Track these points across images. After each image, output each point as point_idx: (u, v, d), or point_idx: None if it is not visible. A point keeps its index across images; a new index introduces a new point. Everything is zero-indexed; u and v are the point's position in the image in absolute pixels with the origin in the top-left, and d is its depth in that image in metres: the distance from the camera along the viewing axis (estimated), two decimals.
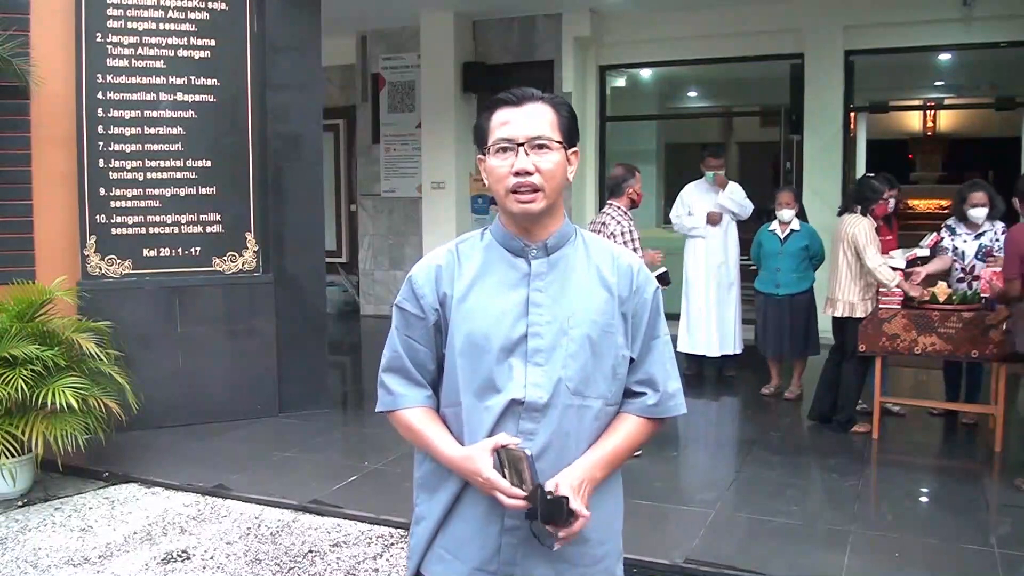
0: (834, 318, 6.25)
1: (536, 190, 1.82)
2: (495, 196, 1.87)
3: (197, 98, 6.29)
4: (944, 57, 10.80)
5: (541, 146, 1.81)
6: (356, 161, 11.61)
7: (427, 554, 1.95)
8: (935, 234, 6.34)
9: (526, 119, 1.82)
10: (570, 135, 1.88)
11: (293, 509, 4.83)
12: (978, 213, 6.08)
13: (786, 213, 6.83)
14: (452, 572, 1.90)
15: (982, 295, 5.68)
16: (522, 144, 1.80)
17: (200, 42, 6.28)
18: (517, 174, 1.81)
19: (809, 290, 6.91)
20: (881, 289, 5.99)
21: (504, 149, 1.82)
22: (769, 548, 4.28)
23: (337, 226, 11.87)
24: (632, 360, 1.92)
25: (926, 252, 6.22)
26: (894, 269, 5.98)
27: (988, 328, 5.37)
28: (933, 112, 15.62)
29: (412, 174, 10.89)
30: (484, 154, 1.87)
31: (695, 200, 7.61)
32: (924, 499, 5.13)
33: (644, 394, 1.94)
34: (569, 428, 1.84)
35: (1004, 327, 4.78)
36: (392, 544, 4.38)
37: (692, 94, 13.81)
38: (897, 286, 5.84)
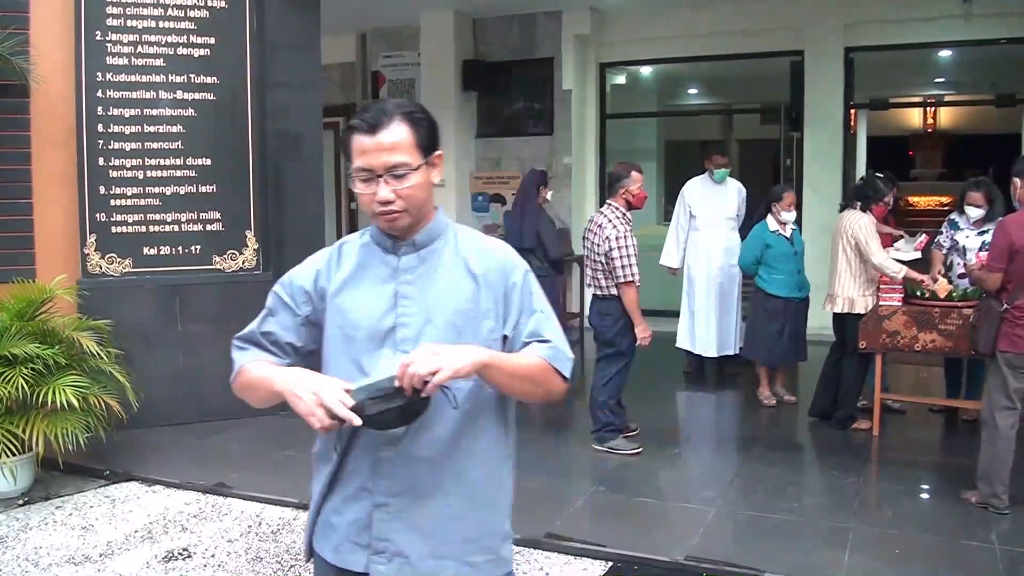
0: (834, 314, 6.25)
1: (400, 211, 1.91)
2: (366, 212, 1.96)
3: (197, 96, 6.29)
4: (944, 54, 10.79)
5: (400, 175, 1.88)
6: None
7: (315, 528, 2.04)
8: (924, 236, 6.34)
9: (382, 147, 1.87)
10: (430, 144, 1.94)
11: (294, 507, 4.83)
12: (972, 213, 6.08)
13: (791, 214, 6.71)
14: (329, 543, 2.00)
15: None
16: (380, 176, 1.88)
17: (200, 40, 6.27)
18: (380, 203, 1.89)
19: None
20: (882, 286, 6.00)
21: (365, 180, 1.90)
22: (770, 546, 4.28)
23: (337, 224, 11.85)
24: (507, 338, 1.99)
25: (917, 255, 6.21)
26: (901, 262, 6.00)
27: None
28: (933, 109, 15.63)
29: None
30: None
31: (697, 198, 7.59)
32: (925, 496, 5.13)
33: (536, 342, 1.99)
34: (438, 410, 1.88)
35: (971, 320, 4.72)
36: None
37: (692, 91, 13.80)
38: (905, 277, 5.84)
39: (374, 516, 1.92)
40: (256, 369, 2.02)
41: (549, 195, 7.21)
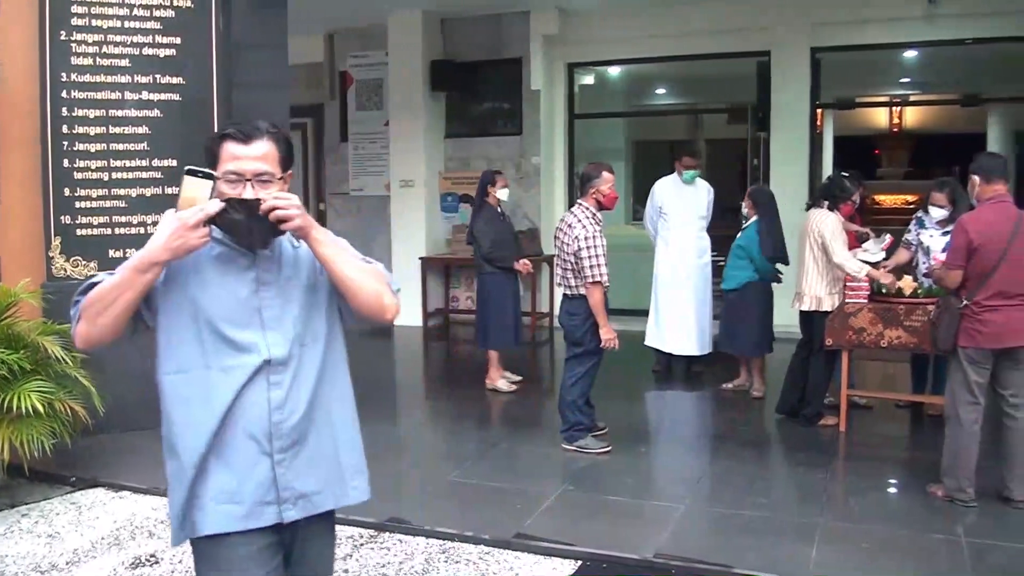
0: (801, 312, 6.31)
1: None
2: None
3: (163, 97, 6.23)
4: (910, 54, 10.92)
5: (265, 181, 2.19)
6: (324, 160, 11.56)
7: (187, 515, 2.22)
8: (889, 237, 6.41)
9: (253, 156, 2.20)
10: (286, 163, 2.28)
11: None
12: (936, 213, 6.16)
13: (743, 209, 6.95)
14: (231, 517, 2.21)
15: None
16: (249, 180, 2.18)
17: (165, 40, 6.21)
18: None
19: (738, 288, 6.92)
20: (848, 283, 6.06)
21: (233, 181, 2.18)
22: (739, 541, 4.32)
23: None
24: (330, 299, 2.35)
25: (883, 255, 6.28)
26: (869, 263, 6.08)
27: None
28: (899, 109, 15.79)
29: (380, 172, 10.86)
30: (202, 168, 2.19)
31: (667, 197, 7.64)
32: (892, 490, 5.19)
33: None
34: (304, 371, 2.27)
35: (931, 316, 4.78)
36: (362, 544, 4.37)
37: (660, 91, 13.86)
38: (867, 276, 5.91)
39: (277, 472, 2.22)
40: (103, 284, 2.19)
41: (501, 194, 7.19)
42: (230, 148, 2.20)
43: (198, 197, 2.14)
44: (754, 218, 6.86)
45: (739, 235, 6.97)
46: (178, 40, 6.25)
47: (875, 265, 6.21)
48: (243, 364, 2.20)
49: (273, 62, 6.59)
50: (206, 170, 2.18)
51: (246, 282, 2.23)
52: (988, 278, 4.50)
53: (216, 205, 2.11)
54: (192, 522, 2.23)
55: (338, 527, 4.46)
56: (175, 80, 6.25)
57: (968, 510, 4.62)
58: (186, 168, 2.19)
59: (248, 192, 2.16)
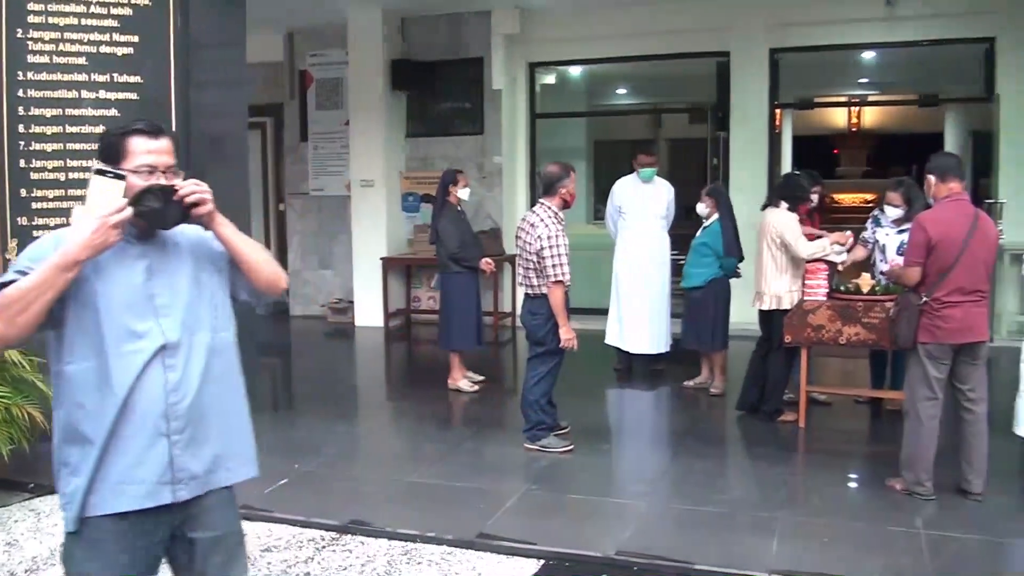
0: (760, 311, 6.37)
1: None
2: None
3: (120, 96, 6.13)
4: (868, 55, 11.06)
5: (174, 172, 2.40)
6: (284, 159, 11.47)
7: (89, 498, 2.32)
8: (850, 233, 6.47)
9: (164, 150, 2.39)
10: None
11: None
12: (891, 212, 6.25)
13: (700, 208, 6.99)
14: (131, 497, 2.32)
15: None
16: (163, 171, 2.37)
17: (123, 38, 6.11)
18: None
19: (704, 285, 6.98)
20: (807, 281, 6.14)
21: (146, 173, 2.34)
22: (700, 537, 4.35)
23: (265, 226, 11.70)
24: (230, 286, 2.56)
25: (843, 256, 6.35)
26: (832, 263, 6.22)
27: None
28: (858, 109, 16.00)
29: (340, 172, 10.79)
30: (112, 168, 2.30)
31: (625, 197, 7.67)
32: (851, 485, 5.27)
33: None
34: (195, 354, 2.39)
35: (890, 314, 4.83)
36: (324, 547, 4.35)
37: (621, 91, 13.92)
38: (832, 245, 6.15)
39: (174, 453, 2.35)
40: (19, 283, 2.23)
41: (463, 193, 7.19)
42: (141, 143, 2.36)
43: (110, 196, 2.24)
44: (715, 216, 6.92)
45: (700, 233, 7.01)
46: (136, 38, 6.16)
47: (836, 265, 6.31)
48: (142, 349, 2.32)
49: (232, 61, 6.52)
50: (116, 171, 2.30)
51: (139, 271, 2.36)
52: (947, 275, 4.57)
53: (129, 204, 2.25)
54: (91, 504, 2.32)
55: (301, 530, 4.49)
56: (133, 79, 6.16)
57: (926, 503, 4.68)
58: (95, 168, 2.29)
59: (162, 182, 2.34)
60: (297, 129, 11.18)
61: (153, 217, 2.32)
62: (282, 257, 11.57)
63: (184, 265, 2.44)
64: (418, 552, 4.26)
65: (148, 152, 2.36)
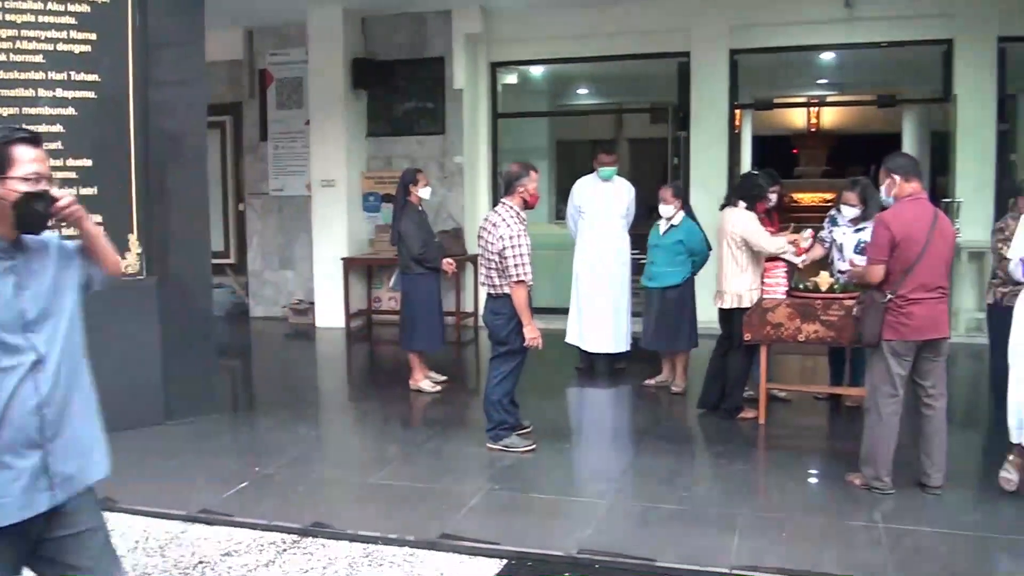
0: (720, 309, 6.41)
1: None
2: None
3: (77, 94, 6.03)
4: (827, 56, 11.18)
5: (51, 179, 2.51)
6: (243, 159, 11.36)
7: None
8: (811, 230, 6.53)
9: (43, 158, 2.49)
10: None
11: (182, 520, 4.67)
12: (847, 212, 6.32)
13: (665, 208, 6.96)
14: (10, 510, 2.39)
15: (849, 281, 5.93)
16: (46, 178, 2.48)
17: (80, 36, 6.02)
18: None
19: (681, 284, 7.00)
20: (765, 280, 6.20)
21: (33, 180, 2.44)
22: (661, 534, 4.36)
23: (225, 226, 11.57)
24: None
25: (801, 258, 6.41)
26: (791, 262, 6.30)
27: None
28: (817, 109, 16.17)
29: (301, 172, 10.71)
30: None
31: (585, 197, 7.69)
32: (811, 480, 5.30)
33: None
34: (59, 363, 2.50)
35: (854, 311, 4.88)
36: (285, 551, 4.30)
37: (582, 91, 13.96)
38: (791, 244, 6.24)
39: (48, 461, 2.45)
40: None
41: (423, 193, 7.15)
42: (27, 151, 2.45)
43: None
44: (682, 213, 6.95)
45: (669, 231, 6.98)
46: (94, 36, 6.06)
47: (795, 265, 6.37)
48: (16, 365, 2.40)
49: (190, 59, 6.45)
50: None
51: (8, 286, 2.43)
52: (910, 272, 4.62)
53: (15, 208, 2.41)
54: None
55: (261, 533, 4.44)
56: (90, 77, 6.07)
57: (885, 497, 4.74)
58: None
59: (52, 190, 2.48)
60: (257, 128, 11.08)
61: (34, 222, 2.47)
62: (242, 258, 11.47)
63: (47, 275, 2.53)
64: (380, 554, 4.23)
65: (33, 160, 2.46)
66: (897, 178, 4.79)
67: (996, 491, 4.78)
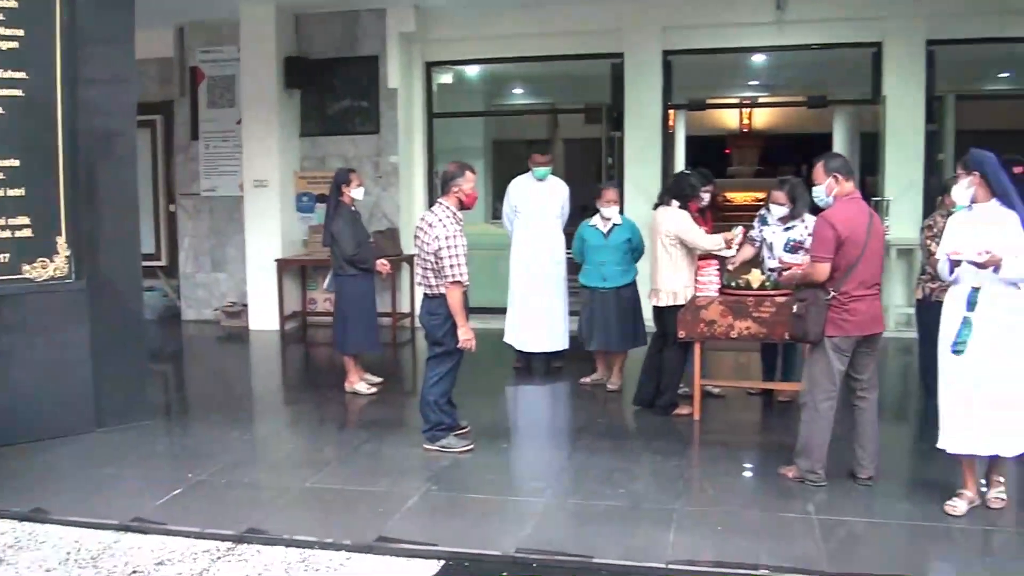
0: (654, 307, 6.49)
1: None
2: None
3: (4, 92, 5.86)
4: (758, 58, 11.38)
5: None
6: (174, 159, 11.14)
7: None
8: (741, 228, 6.63)
9: None
10: None
11: (115, 529, 4.57)
12: (776, 211, 6.46)
13: (611, 210, 7.01)
14: None
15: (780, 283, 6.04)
16: None
17: (8, 32, 5.85)
18: None
19: (633, 283, 7.11)
20: (698, 278, 6.29)
21: None
22: (598, 532, 4.40)
23: (155, 228, 11.35)
24: None
25: (732, 252, 6.51)
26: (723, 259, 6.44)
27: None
28: (749, 110, 16.45)
29: (233, 172, 10.54)
30: None
31: (520, 196, 7.71)
32: (746, 474, 5.41)
33: None
34: None
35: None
36: (219, 558, 4.24)
37: (518, 91, 13.99)
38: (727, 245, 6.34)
39: None
40: None
41: (356, 193, 7.09)
42: None
43: None
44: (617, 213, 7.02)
45: (614, 231, 7.03)
46: (21, 32, 5.90)
47: (725, 261, 6.48)
48: None
49: (120, 56, 6.32)
50: None
51: None
52: (852, 269, 4.73)
53: None
54: None
55: (195, 541, 4.37)
56: (17, 75, 5.91)
57: (819, 489, 4.85)
58: None
59: None
60: (188, 127, 10.87)
61: None
62: (173, 260, 11.26)
63: None
64: (316, 558, 4.20)
65: None
66: (840, 178, 4.90)
67: (926, 481, 4.94)
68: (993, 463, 4.60)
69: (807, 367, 5.02)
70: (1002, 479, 4.63)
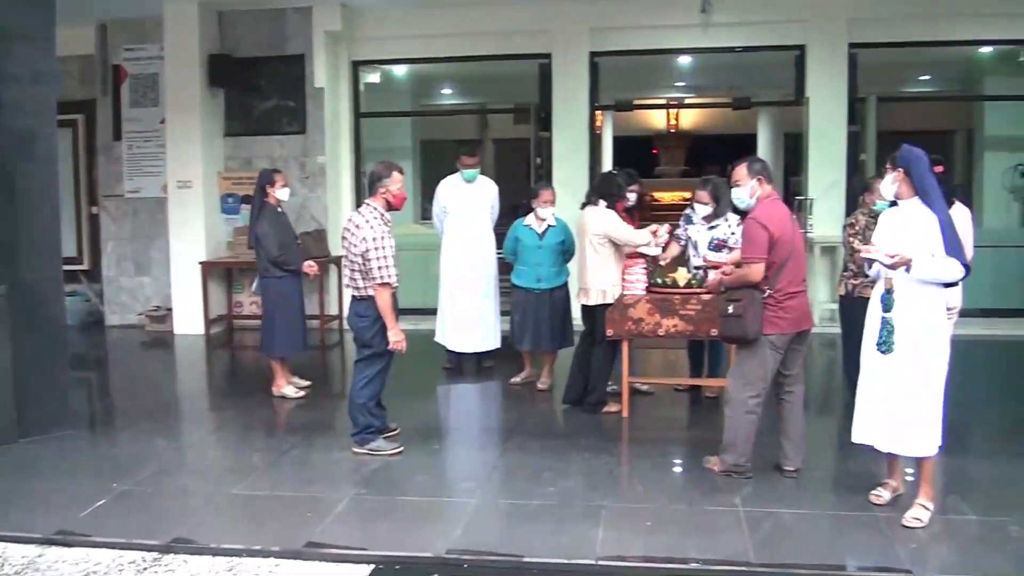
0: (583, 306, 6.55)
1: None
2: None
3: None
4: (684, 60, 11.56)
5: None
6: (96, 160, 10.88)
7: None
8: (668, 225, 6.73)
9: None
10: None
11: (38, 543, 4.45)
12: (699, 210, 6.57)
13: (547, 211, 7.04)
14: None
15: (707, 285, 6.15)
16: None
17: None
18: None
19: (565, 284, 7.17)
20: (625, 277, 6.37)
21: None
22: (528, 531, 4.42)
23: (77, 230, 11.07)
24: None
25: (657, 251, 6.59)
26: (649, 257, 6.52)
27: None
28: (676, 111, 16.68)
29: (157, 173, 10.33)
30: None
31: (450, 197, 7.71)
32: (674, 469, 5.49)
33: None
34: None
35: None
36: (145, 569, 4.16)
37: (446, 91, 13.99)
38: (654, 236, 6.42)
39: None
40: None
41: (281, 194, 7.02)
42: None
43: None
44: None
45: (549, 232, 7.06)
46: None
47: (654, 258, 6.56)
48: None
49: (40, 54, 6.15)
50: None
51: None
52: (784, 268, 4.85)
53: None
54: None
55: (120, 552, 4.29)
56: None
57: (746, 482, 4.96)
58: None
59: None
60: (110, 127, 10.61)
61: None
62: (96, 263, 11.00)
63: None
64: (244, 567, 4.15)
65: None
66: (763, 179, 5.00)
67: (851, 472, 5.09)
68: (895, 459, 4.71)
69: (737, 365, 5.11)
70: (910, 469, 4.80)
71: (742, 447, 5.00)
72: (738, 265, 5.12)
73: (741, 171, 5.04)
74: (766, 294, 4.87)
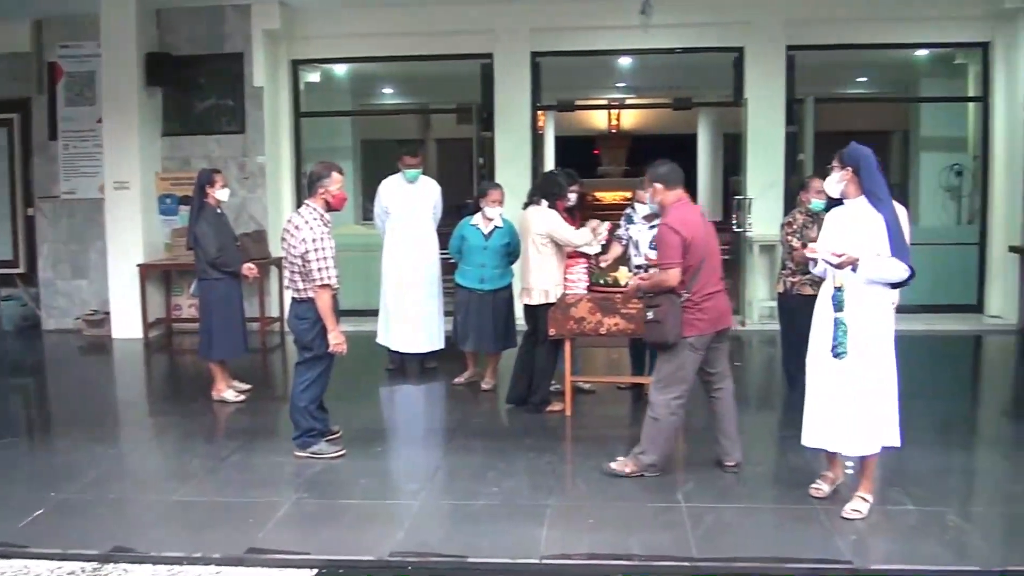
0: (525, 305, 6.58)
1: None
2: None
3: None
4: (625, 60, 11.65)
5: None
6: (32, 160, 10.63)
7: None
8: (608, 224, 6.79)
9: None
10: None
11: None
12: (639, 209, 6.67)
13: (494, 210, 7.01)
14: None
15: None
16: None
17: None
18: None
19: (509, 285, 7.17)
20: (567, 276, 6.42)
21: None
22: (472, 531, 4.44)
23: (13, 232, 10.80)
24: None
25: (598, 248, 6.65)
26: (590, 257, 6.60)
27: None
28: (617, 111, 16.82)
29: (94, 173, 10.12)
30: None
31: (392, 197, 7.68)
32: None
33: None
34: None
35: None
36: None
37: (388, 91, 13.92)
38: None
39: None
40: None
41: (221, 195, 6.93)
42: None
43: None
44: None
45: (494, 233, 7.02)
46: None
47: (594, 256, 6.62)
48: None
49: None
50: None
51: None
52: (700, 270, 4.91)
53: None
54: None
55: (59, 563, 4.21)
56: None
57: (688, 478, 5.04)
58: None
59: None
60: (46, 126, 10.38)
61: None
62: (32, 266, 10.76)
63: None
64: (185, 575, 4.10)
65: None
66: (659, 186, 5.04)
67: (791, 466, 5.19)
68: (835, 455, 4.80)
69: (658, 368, 5.13)
70: (850, 463, 4.88)
71: (663, 446, 5.06)
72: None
73: (646, 178, 5.11)
74: (684, 297, 4.92)
